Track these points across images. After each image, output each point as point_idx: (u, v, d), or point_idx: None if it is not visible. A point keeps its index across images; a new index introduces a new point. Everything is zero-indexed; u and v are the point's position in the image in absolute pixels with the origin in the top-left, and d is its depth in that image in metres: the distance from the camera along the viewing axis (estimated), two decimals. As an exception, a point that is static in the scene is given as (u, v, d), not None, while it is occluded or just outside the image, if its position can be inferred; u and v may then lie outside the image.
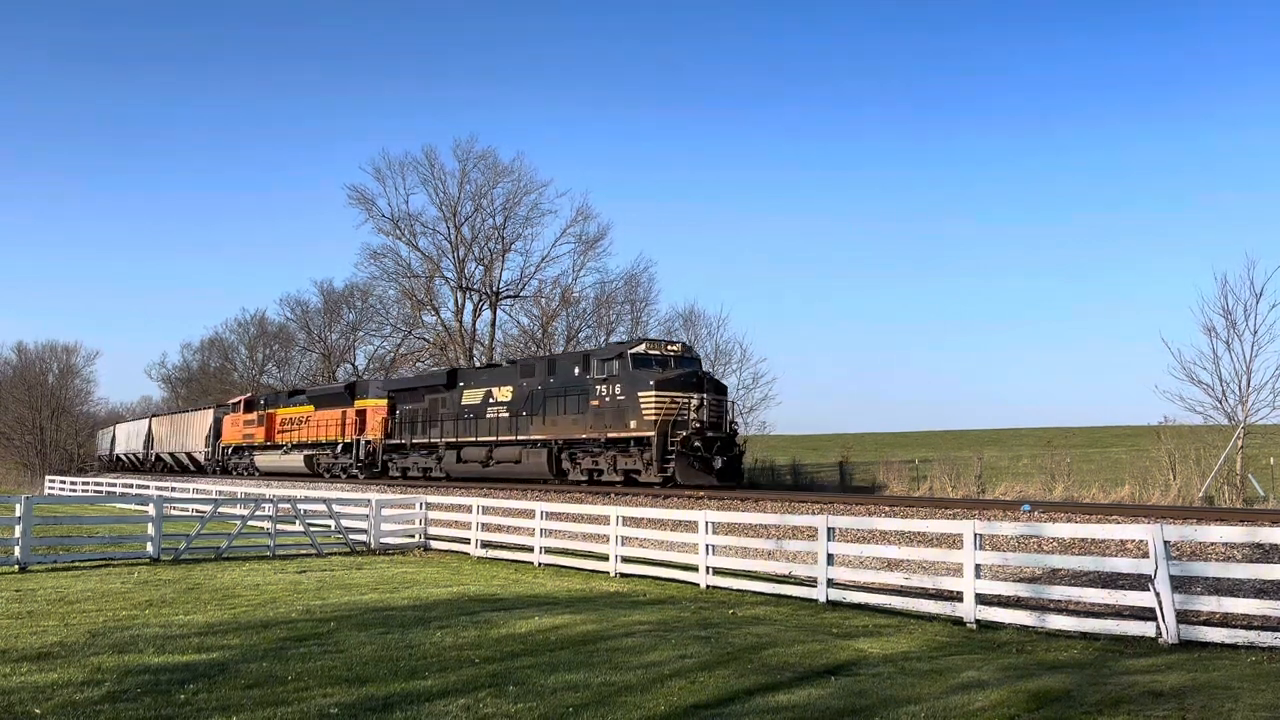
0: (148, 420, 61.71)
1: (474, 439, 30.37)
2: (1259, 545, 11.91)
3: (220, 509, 22.97)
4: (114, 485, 45.14)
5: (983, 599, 11.81)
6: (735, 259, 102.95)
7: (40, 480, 60.55)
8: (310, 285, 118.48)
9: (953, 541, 13.60)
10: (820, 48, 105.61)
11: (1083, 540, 13.85)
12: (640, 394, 24.37)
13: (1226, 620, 10.66)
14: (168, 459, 55.76)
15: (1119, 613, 11.47)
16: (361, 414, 36.52)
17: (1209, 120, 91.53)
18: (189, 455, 51.84)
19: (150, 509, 18.62)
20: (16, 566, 16.52)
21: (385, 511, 21.34)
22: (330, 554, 19.64)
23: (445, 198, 57.71)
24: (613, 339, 53.89)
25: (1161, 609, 10.13)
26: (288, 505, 21.22)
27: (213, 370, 78.25)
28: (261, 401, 45.02)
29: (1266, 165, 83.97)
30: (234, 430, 46.09)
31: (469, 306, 57.98)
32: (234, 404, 47.62)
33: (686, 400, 24.27)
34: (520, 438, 28.37)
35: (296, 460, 39.98)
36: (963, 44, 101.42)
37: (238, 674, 8.32)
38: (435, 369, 35.26)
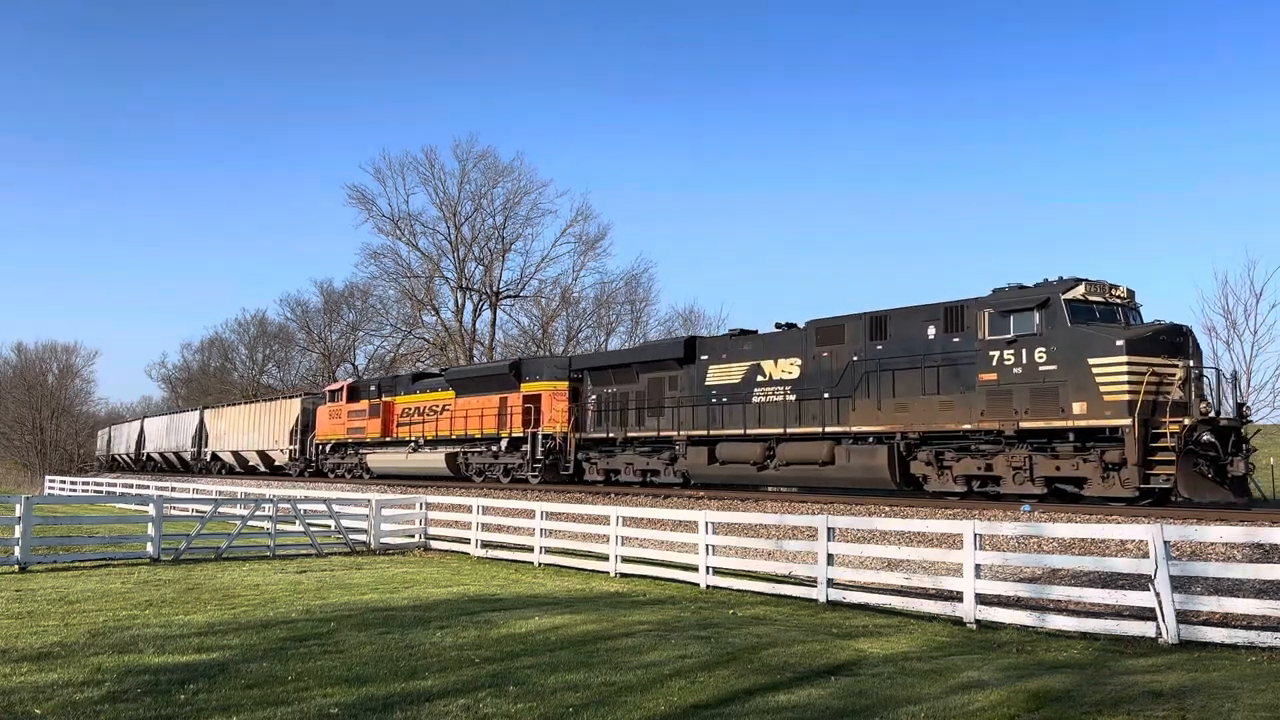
0: (197, 413, 52.78)
1: (740, 431, 22.16)
2: (1259, 545, 11.91)
3: (220, 509, 22.96)
4: (114, 485, 45.02)
5: (983, 599, 11.81)
6: (735, 258, 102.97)
7: (40, 480, 60.51)
8: (310, 285, 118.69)
9: (953, 541, 13.59)
10: (821, 45, 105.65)
11: (1083, 540, 13.85)
12: (1095, 361, 16.44)
13: (1226, 620, 10.66)
14: (228, 458, 47.38)
15: (1119, 613, 11.47)
16: (533, 400, 28.41)
17: (1209, 118, 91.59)
18: (262, 454, 43.87)
19: (150, 509, 18.62)
20: (16, 566, 16.52)
21: (385, 511, 21.34)
22: (330, 554, 19.64)
23: (445, 198, 57.85)
24: (612, 339, 53.92)
25: (1161, 609, 10.13)
26: (287, 505, 21.22)
27: (213, 370, 78.27)
28: (373, 388, 36.35)
29: (1266, 164, 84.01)
30: (333, 424, 38.02)
31: (469, 306, 58.11)
32: (331, 392, 39.21)
33: (1170, 372, 16.47)
34: (831, 429, 20.28)
35: (432, 460, 32.20)
36: (966, 37, 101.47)
37: (238, 674, 8.32)
38: (660, 339, 25.41)
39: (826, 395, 20.47)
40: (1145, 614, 10.59)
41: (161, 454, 56.47)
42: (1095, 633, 10.63)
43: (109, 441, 68.80)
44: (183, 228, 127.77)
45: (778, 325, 22.41)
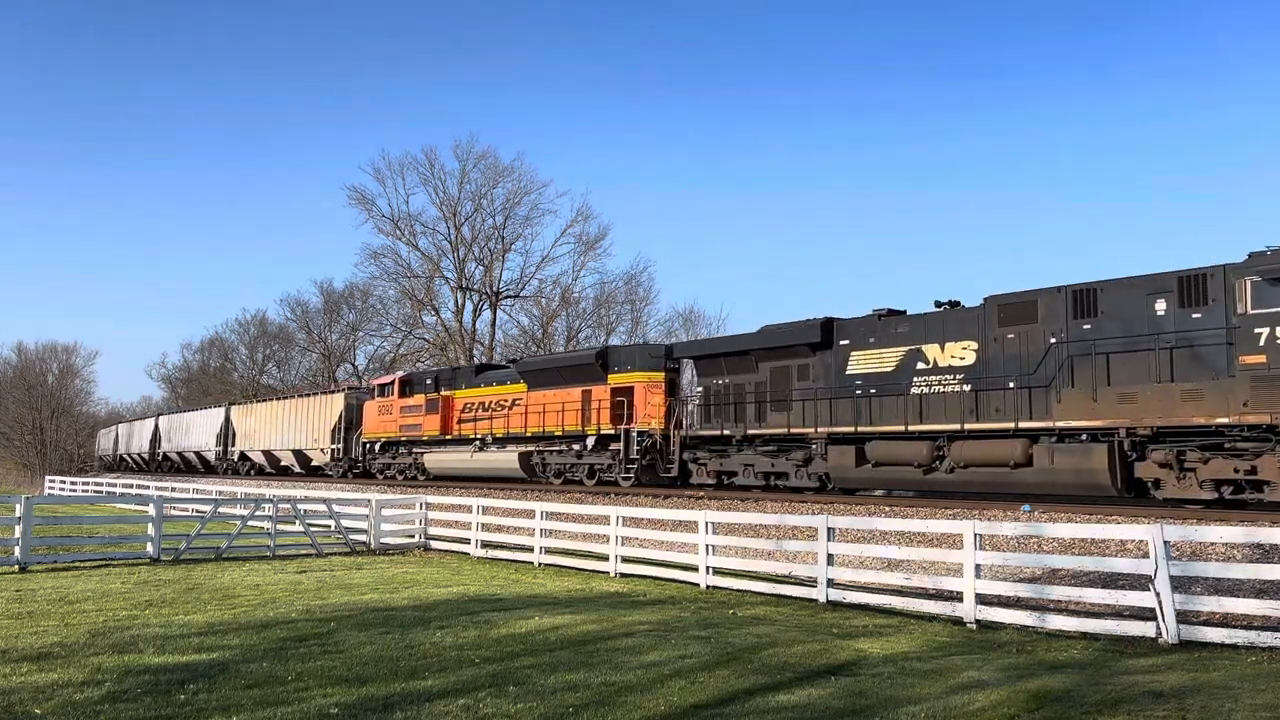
0: (222, 410, 49.62)
1: (900, 428, 19.06)
2: (1259, 545, 11.91)
3: (220, 509, 22.96)
4: (114, 485, 44.96)
5: (983, 599, 11.81)
6: (735, 258, 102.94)
7: (40, 480, 60.49)
8: (310, 285, 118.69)
9: (953, 541, 13.60)
10: (822, 45, 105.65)
11: (1083, 540, 13.86)
12: None
13: (1226, 620, 10.66)
14: (258, 458, 44.58)
15: (1119, 613, 11.47)
16: (624, 393, 25.39)
17: (1208, 116, 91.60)
18: (298, 454, 40.90)
19: (150, 509, 18.62)
20: (16, 566, 16.52)
21: (385, 511, 21.35)
22: (330, 554, 19.64)
23: (445, 198, 57.89)
24: (613, 339, 53.95)
25: (1161, 609, 10.13)
26: (287, 505, 21.23)
27: (213, 370, 78.29)
28: (429, 381, 33.41)
29: (1267, 161, 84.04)
30: (382, 420, 35.07)
31: (469, 306, 58.13)
32: (380, 385, 35.94)
33: None
34: (1025, 425, 17.29)
35: (501, 460, 29.30)
36: (966, 37, 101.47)
37: (238, 674, 8.32)
38: (788, 323, 22.03)
39: (1014, 384, 17.43)
40: (1145, 614, 10.59)
41: (181, 454, 53.53)
42: (1095, 633, 10.63)
43: (117, 440, 66.36)
44: (183, 228, 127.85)
45: (938, 304, 19.40)
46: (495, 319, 57.94)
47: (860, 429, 19.85)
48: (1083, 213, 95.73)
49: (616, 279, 57.77)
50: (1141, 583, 10.98)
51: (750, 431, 22.11)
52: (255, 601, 12.86)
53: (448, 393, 32.26)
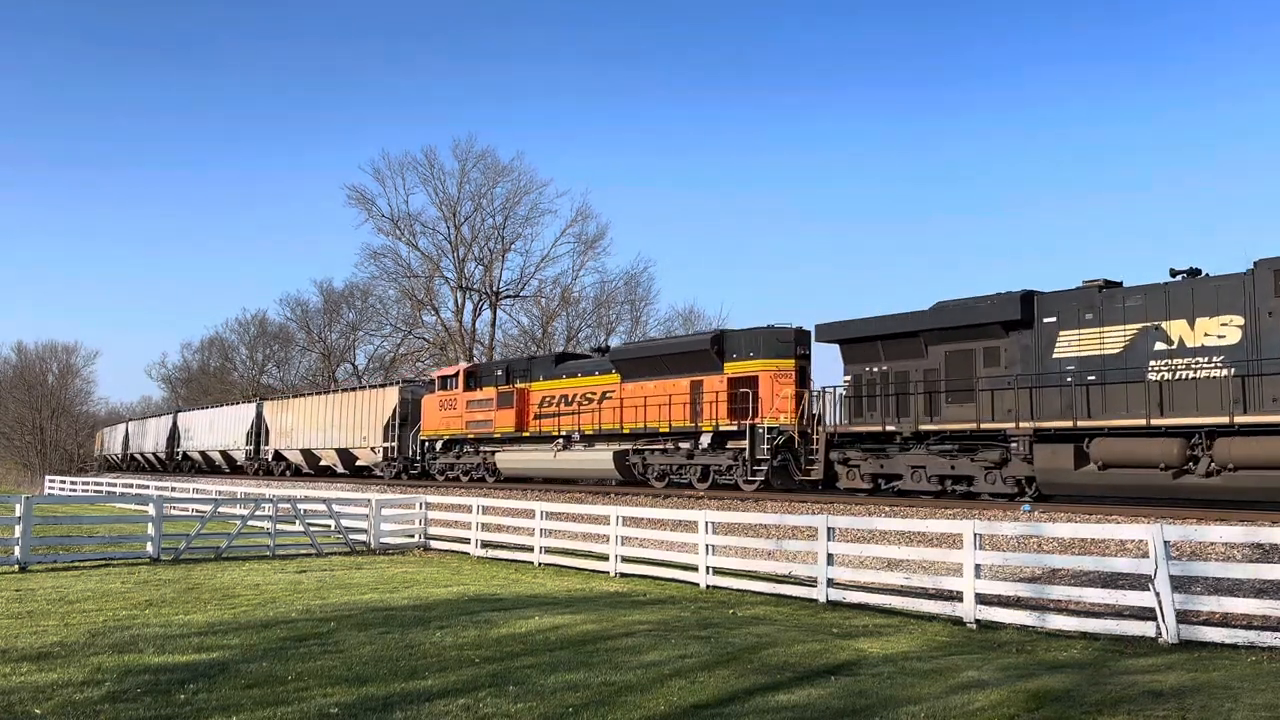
0: (253, 406, 46.58)
1: (1141, 422, 15.79)
2: (1259, 545, 11.91)
3: (220, 509, 22.96)
4: (114, 485, 44.93)
5: (983, 599, 11.81)
6: (735, 256, 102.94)
7: (40, 480, 60.47)
8: (310, 285, 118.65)
9: (953, 541, 13.60)
10: (822, 45, 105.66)
11: (1083, 540, 13.86)
12: None
13: (1226, 620, 10.67)
14: (295, 458, 41.66)
15: (1119, 612, 11.48)
16: (746, 383, 22.58)
17: (1209, 113, 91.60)
18: (343, 453, 38.09)
19: (150, 509, 18.63)
20: (16, 566, 16.52)
21: (385, 511, 21.35)
22: (330, 554, 19.65)
23: (445, 198, 57.91)
24: (613, 339, 53.98)
25: (1161, 609, 10.13)
26: (287, 505, 21.23)
27: (213, 370, 78.30)
28: (500, 372, 30.34)
29: (1267, 158, 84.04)
30: (444, 416, 31.97)
31: (469, 306, 58.15)
32: (443, 378, 32.82)
33: None
34: None
35: (591, 459, 26.47)
36: (966, 37, 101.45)
37: (238, 674, 8.32)
38: (975, 297, 18.77)
39: None
40: (1145, 614, 10.59)
41: (203, 453, 50.38)
42: (1095, 632, 10.63)
43: (127, 438, 63.67)
44: (183, 228, 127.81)
45: (1173, 272, 16.42)
46: (495, 319, 58.01)
47: (1080, 424, 16.50)
48: (1082, 211, 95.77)
49: (616, 279, 57.83)
50: (1141, 582, 10.98)
51: (924, 427, 18.66)
52: (255, 601, 12.86)
53: (522, 385, 29.10)
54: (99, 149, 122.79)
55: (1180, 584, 10.74)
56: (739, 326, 23.37)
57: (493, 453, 29.96)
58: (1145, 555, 10.97)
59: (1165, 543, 10.36)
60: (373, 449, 35.97)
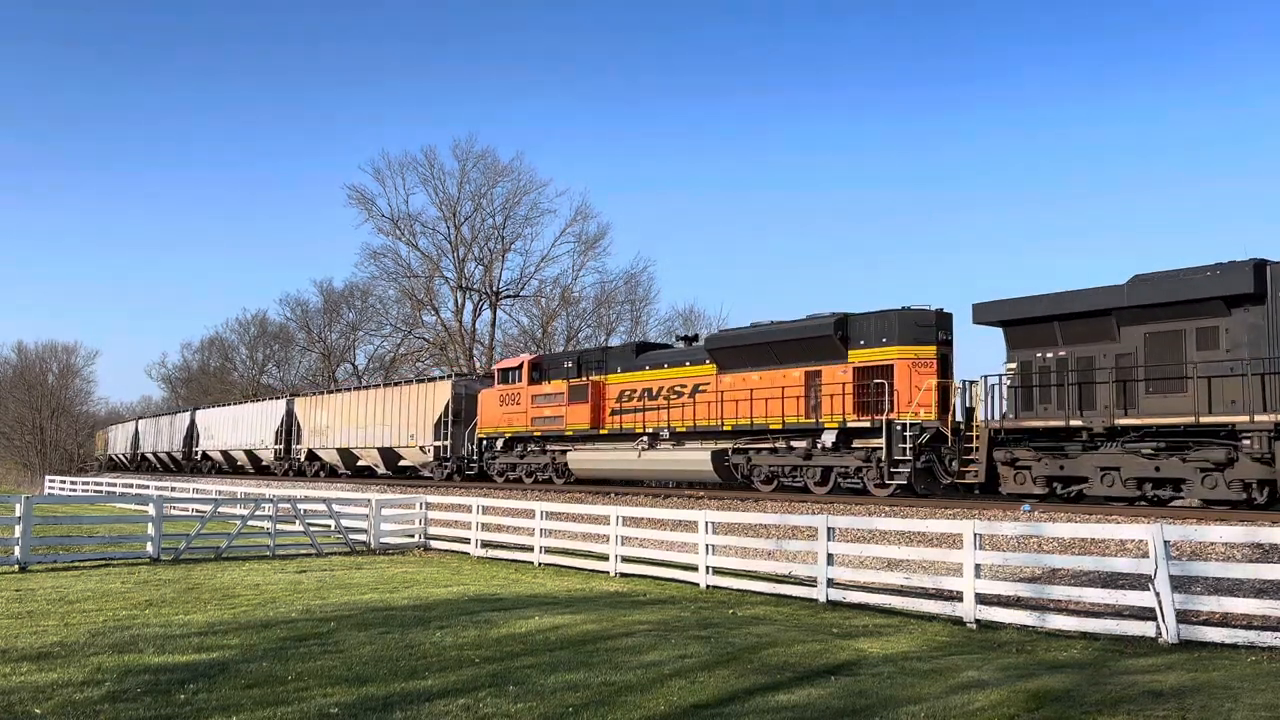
0: (282, 403, 43.52)
1: None
2: (1259, 545, 11.92)
3: (220, 509, 22.97)
4: (114, 485, 44.92)
5: (983, 599, 11.82)
6: (735, 256, 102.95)
7: (40, 480, 60.45)
8: (310, 285, 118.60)
9: (953, 541, 13.61)
10: (822, 46, 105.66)
11: (1083, 540, 13.86)
12: None
13: (1226, 620, 10.67)
14: (330, 458, 39.31)
15: (1119, 612, 11.48)
16: (877, 374, 19.99)
17: (1211, 110, 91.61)
18: (387, 452, 35.72)
19: (150, 509, 18.63)
20: (16, 566, 16.53)
21: (385, 511, 21.36)
22: (330, 554, 19.65)
23: (445, 198, 57.91)
24: (613, 339, 53.98)
25: (1161, 609, 10.14)
26: (287, 505, 21.24)
27: (213, 370, 78.32)
28: (569, 364, 27.77)
29: (1267, 156, 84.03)
30: (506, 412, 29.36)
31: (469, 306, 58.16)
32: (504, 371, 30.26)
33: None
34: None
35: (685, 459, 23.84)
36: (966, 38, 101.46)
37: (238, 674, 8.33)
38: (1189, 270, 16.05)
39: None
40: (1145, 614, 10.59)
41: (225, 452, 47.87)
42: (1095, 632, 10.64)
43: (137, 437, 61.18)
44: (183, 228, 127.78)
45: None
46: (495, 319, 58.01)
47: None
48: (1083, 211, 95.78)
49: (616, 279, 57.79)
50: (1141, 582, 10.99)
51: (1122, 421, 16.11)
52: (255, 601, 12.87)
53: (597, 378, 26.54)
54: (99, 149, 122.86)
55: (1180, 584, 10.74)
56: (863, 309, 20.85)
57: (563, 452, 27.28)
58: (1145, 555, 10.98)
59: (1165, 543, 10.36)
60: (422, 448, 33.32)
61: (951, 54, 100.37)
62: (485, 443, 30.42)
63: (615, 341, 53.84)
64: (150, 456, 58.25)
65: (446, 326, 58.41)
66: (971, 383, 19.02)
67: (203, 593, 13.69)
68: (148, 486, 39.18)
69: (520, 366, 29.22)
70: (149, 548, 18.21)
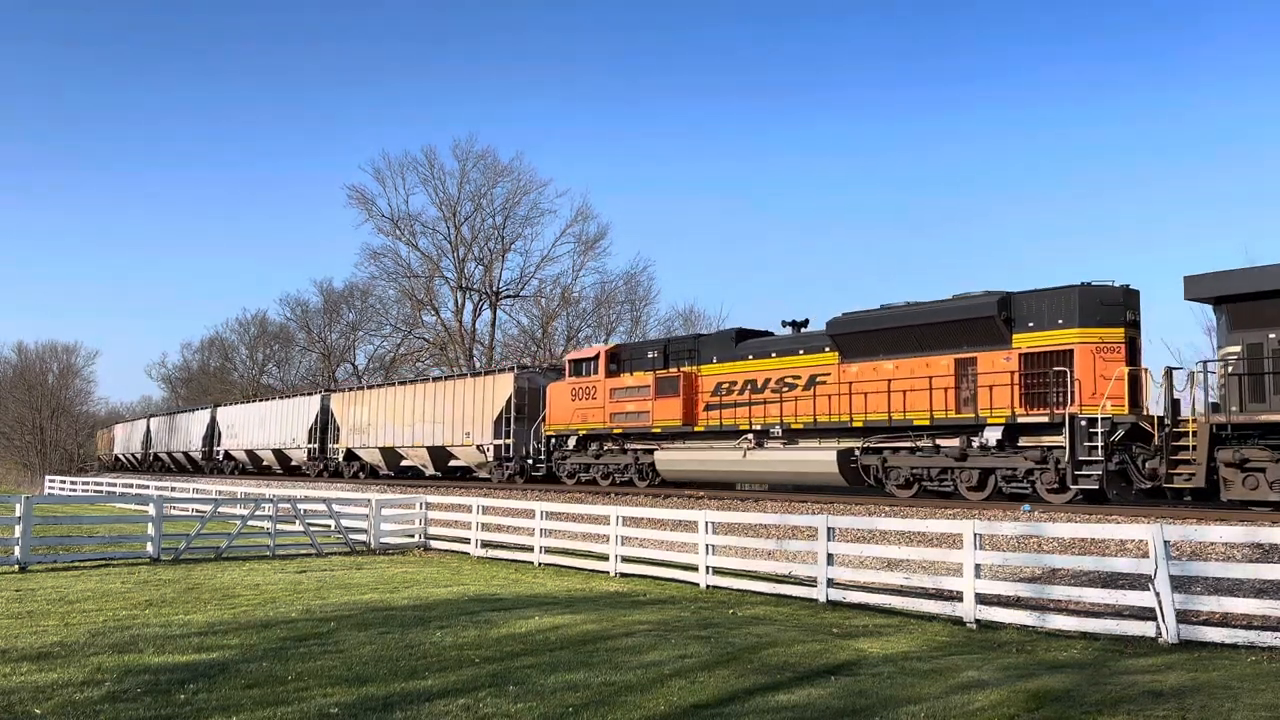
0: (317, 399, 40.74)
1: None
2: (1259, 545, 11.92)
3: (220, 509, 22.98)
4: (114, 485, 44.88)
5: (983, 599, 11.82)
6: (735, 256, 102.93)
7: (40, 480, 60.44)
8: (310, 285, 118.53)
9: (953, 541, 13.61)
10: (822, 47, 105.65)
11: (1083, 540, 13.87)
12: None
13: (1226, 620, 10.68)
14: (371, 458, 36.98)
15: (1119, 612, 11.49)
16: (1050, 360, 17.49)
17: (1215, 107, 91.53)
18: (437, 452, 33.07)
19: (150, 509, 18.64)
20: (16, 566, 16.53)
21: (385, 511, 21.36)
22: (330, 554, 19.66)
23: (445, 198, 57.91)
24: (613, 339, 54.00)
25: (1161, 609, 10.14)
26: (287, 505, 21.25)
27: (213, 370, 78.31)
28: (653, 354, 25.09)
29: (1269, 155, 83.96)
30: (579, 407, 26.60)
31: (469, 306, 58.17)
32: (576, 362, 27.45)
33: None
34: None
35: (803, 461, 21.18)
36: (966, 40, 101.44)
37: (238, 674, 8.33)
38: None
39: None
40: (1145, 614, 10.60)
41: (251, 452, 45.17)
42: (1095, 632, 10.64)
43: (149, 436, 58.32)
44: (183, 228, 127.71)
45: None
46: (495, 319, 58.01)
47: None
48: (1082, 213, 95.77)
49: (616, 279, 57.76)
50: (1141, 582, 10.99)
51: None
52: (255, 601, 12.87)
53: (689, 369, 23.94)
54: (99, 149, 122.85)
55: (1180, 584, 10.74)
56: (1027, 288, 18.32)
57: (648, 451, 24.63)
58: (1145, 555, 10.98)
59: (1165, 543, 10.37)
60: (479, 447, 30.60)
61: (951, 54, 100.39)
62: (554, 441, 27.67)
63: (616, 340, 53.85)
64: (165, 456, 55.68)
65: (446, 326, 58.42)
66: (1175, 370, 16.45)
67: (203, 593, 13.69)
68: (148, 487, 39.15)
69: (596, 358, 26.56)
70: (149, 548, 18.22)
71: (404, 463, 35.83)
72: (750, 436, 22.11)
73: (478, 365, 51.46)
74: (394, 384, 37.50)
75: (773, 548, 15.11)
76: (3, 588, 14.11)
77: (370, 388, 38.58)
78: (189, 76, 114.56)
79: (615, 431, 25.42)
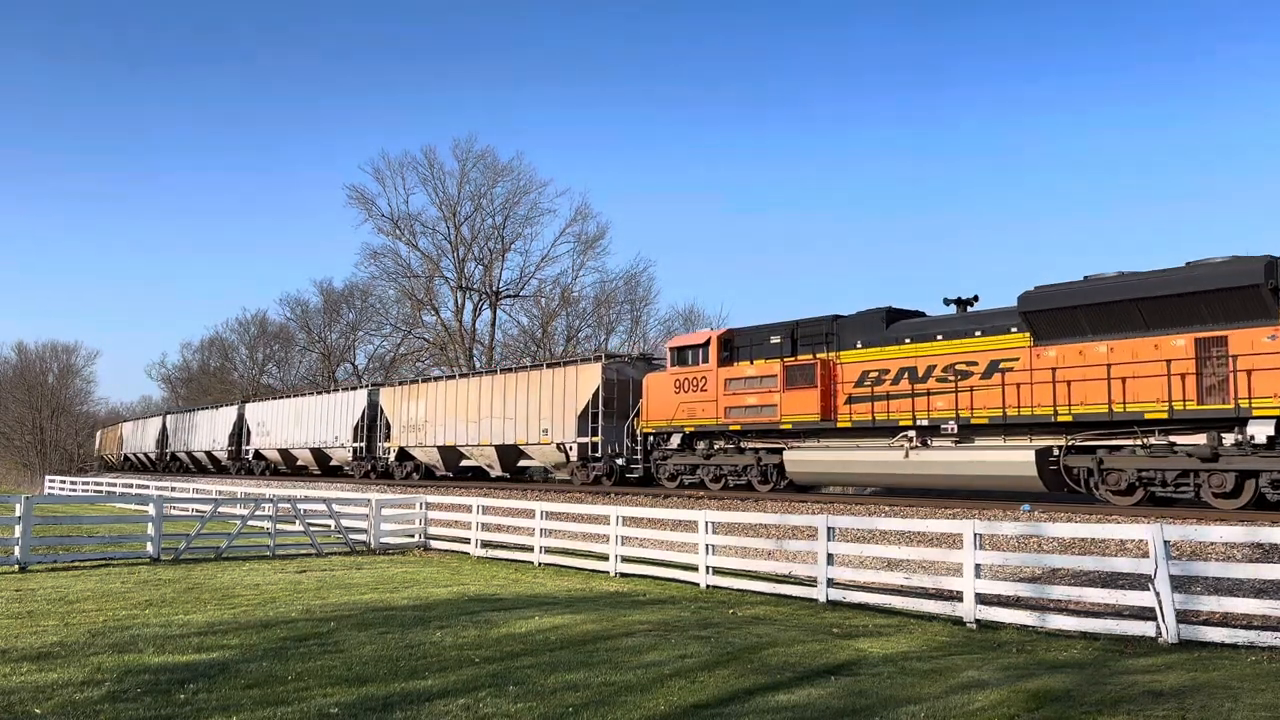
0: (363, 394, 37.79)
1: None
2: (1259, 545, 11.92)
3: (220, 509, 22.97)
4: (114, 485, 44.82)
5: (983, 599, 11.82)
6: (735, 256, 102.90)
7: (40, 480, 60.40)
8: (310, 285, 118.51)
9: (953, 541, 13.61)
10: (822, 47, 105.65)
11: (1083, 540, 13.86)
12: None
13: (1227, 620, 10.67)
14: (429, 458, 33.94)
15: (1119, 612, 11.48)
16: None
17: (1223, 108, 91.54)
18: (507, 451, 30.04)
19: (150, 509, 18.64)
20: (16, 566, 16.53)
21: (385, 511, 21.36)
22: (330, 554, 19.66)
23: (445, 198, 57.96)
24: (613, 339, 53.94)
25: (1161, 608, 10.14)
26: (287, 505, 21.24)
27: (213, 370, 78.29)
28: (777, 339, 21.94)
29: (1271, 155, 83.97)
30: (685, 400, 23.44)
31: (469, 306, 58.19)
32: (681, 349, 24.18)
33: None
34: None
35: (990, 460, 17.72)
36: (966, 41, 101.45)
37: (238, 674, 8.33)
38: None
39: None
40: (1145, 614, 10.60)
41: (286, 451, 42.21)
42: (1095, 632, 10.64)
43: (164, 435, 55.52)
44: (183, 227, 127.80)
45: None
46: (495, 319, 58.03)
47: None
48: (1081, 215, 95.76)
49: (616, 279, 57.77)
50: (1141, 582, 10.98)
51: None
52: (255, 601, 12.87)
53: (825, 355, 20.79)
54: (99, 149, 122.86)
55: (1180, 584, 10.74)
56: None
57: (773, 450, 21.75)
58: (1145, 555, 10.98)
59: (1165, 542, 10.36)
60: (559, 445, 27.64)
61: (952, 56, 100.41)
62: (652, 439, 24.65)
63: (615, 342, 53.77)
64: (184, 456, 52.67)
65: (446, 326, 58.42)
66: None
67: (203, 593, 13.69)
68: (147, 487, 39.14)
69: (706, 344, 23.40)
70: (149, 548, 18.22)
71: (465, 463, 33.11)
72: (912, 433, 19.08)
73: (477, 365, 51.32)
74: (455, 376, 34.50)
75: (773, 547, 15.10)
76: (3, 588, 14.11)
77: (427, 380, 35.58)
78: (188, 76, 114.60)
79: (731, 428, 22.37)
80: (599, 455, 26.53)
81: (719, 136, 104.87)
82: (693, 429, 23.37)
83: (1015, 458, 17.24)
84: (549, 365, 29.63)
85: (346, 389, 40.52)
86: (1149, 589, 10.37)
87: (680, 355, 24.04)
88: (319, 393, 42.48)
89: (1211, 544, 12.69)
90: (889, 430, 19.44)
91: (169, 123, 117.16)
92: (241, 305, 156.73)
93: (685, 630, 10.69)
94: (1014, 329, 17.86)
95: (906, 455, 18.92)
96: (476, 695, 7.54)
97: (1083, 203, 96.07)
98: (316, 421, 40.09)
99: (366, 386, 38.90)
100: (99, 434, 74.37)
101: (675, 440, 23.97)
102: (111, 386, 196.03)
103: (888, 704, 7.37)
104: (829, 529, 13.46)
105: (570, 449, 27.27)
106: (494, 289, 57.66)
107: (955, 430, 18.39)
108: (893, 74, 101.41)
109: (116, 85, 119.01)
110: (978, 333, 18.50)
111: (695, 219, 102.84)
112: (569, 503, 21.37)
